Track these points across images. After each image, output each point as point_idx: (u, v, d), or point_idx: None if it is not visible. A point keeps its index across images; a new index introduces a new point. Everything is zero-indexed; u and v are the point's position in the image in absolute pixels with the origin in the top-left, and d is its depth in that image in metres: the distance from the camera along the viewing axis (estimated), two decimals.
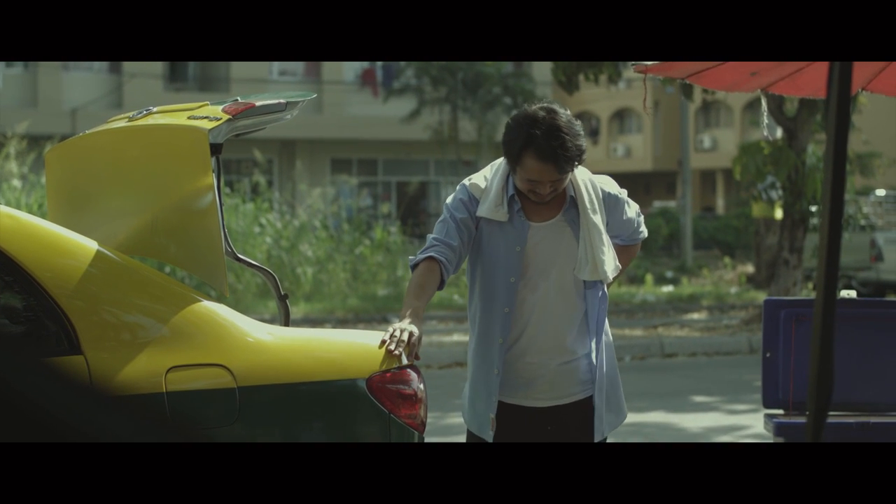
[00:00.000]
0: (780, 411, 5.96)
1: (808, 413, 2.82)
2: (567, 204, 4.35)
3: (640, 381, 13.14)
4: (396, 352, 3.92)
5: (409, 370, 3.95)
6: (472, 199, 4.35)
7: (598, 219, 4.33)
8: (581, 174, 4.38)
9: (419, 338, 3.99)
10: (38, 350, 3.62)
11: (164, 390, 3.61)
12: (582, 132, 4.25)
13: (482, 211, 4.32)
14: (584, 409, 4.38)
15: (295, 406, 3.80)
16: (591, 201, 4.34)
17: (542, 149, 4.17)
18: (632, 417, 10.76)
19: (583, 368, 4.36)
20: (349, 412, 3.87)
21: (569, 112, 4.30)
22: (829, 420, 5.30)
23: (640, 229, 4.62)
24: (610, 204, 4.43)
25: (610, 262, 4.34)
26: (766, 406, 6.01)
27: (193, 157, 4.06)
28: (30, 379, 3.67)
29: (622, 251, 4.56)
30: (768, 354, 5.96)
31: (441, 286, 4.25)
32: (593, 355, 4.38)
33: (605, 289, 4.43)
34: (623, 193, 4.50)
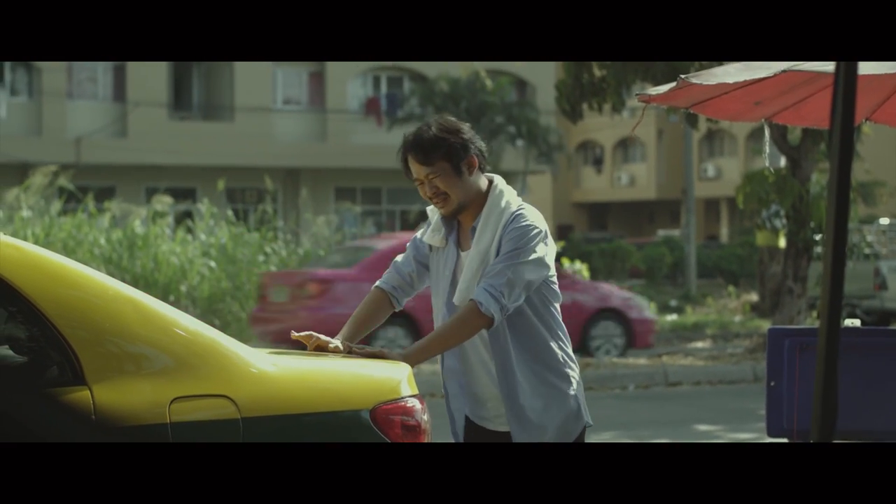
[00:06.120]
0: (785, 440, 5.94)
1: (812, 442, 2.82)
2: (471, 233, 4.46)
3: (643, 410, 13.12)
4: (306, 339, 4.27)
5: (413, 400, 3.95)
6: (428, 225, 4.61)
7: (482, 243, 4.38)
8: (504, 202, 4.41)
9: (335, 347, 4.26)
10: (41, 381, 3.62)
11: (168, 421, 3.61)
12: (462, 131, 4.38)
13: (425, 236, 4.57)
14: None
15: (299, 437, 3.79)
16: (485, 226, 4.40)
17: (409, 144, 4.39)
18: None
19: (499, 397, 4.43)
20: None
21: (457, 121, 4.44)
22: None
23: (495, 282, 4.29)
24: (504, 237, 4.38)
25: (464, 291, 4.38)
26: (771, 435, 5.99)
27: None
28: (33, 409, 3.66)
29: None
30: (772, 383, 5.94)
31: (395, 309, 4.57)
32: (510, 387, 4.40)
33: (529, 318, 4.42)
34: (525, 238, 4.33)
